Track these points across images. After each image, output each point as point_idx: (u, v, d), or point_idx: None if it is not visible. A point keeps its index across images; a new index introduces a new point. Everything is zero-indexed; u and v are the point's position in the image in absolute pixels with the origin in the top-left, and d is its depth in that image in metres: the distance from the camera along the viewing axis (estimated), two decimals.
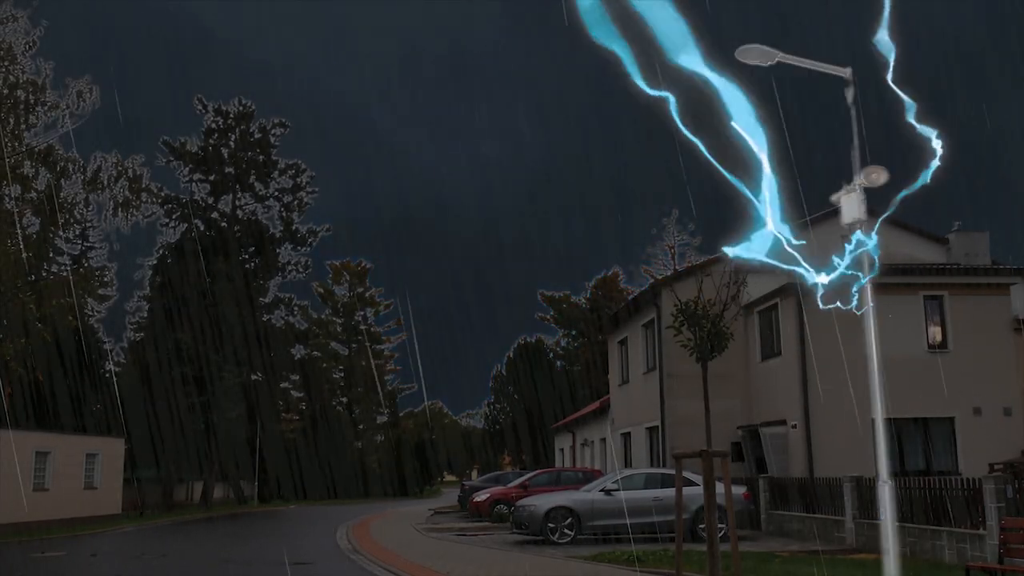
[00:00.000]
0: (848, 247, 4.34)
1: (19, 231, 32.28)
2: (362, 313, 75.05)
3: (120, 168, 32.62)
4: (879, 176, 12.12)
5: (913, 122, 4.44)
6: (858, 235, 4.31)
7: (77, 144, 37.87)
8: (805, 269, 4.52)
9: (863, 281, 4.53)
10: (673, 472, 9.51)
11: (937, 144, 4.33)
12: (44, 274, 36.56)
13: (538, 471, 30.81)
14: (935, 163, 4.34)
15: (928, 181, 4.60)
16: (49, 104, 30.46)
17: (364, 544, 18.83)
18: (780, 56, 12.41)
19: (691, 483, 15.98)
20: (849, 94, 12.06)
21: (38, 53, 30.51)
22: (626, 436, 28.93)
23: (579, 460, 37.85)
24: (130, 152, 47.52)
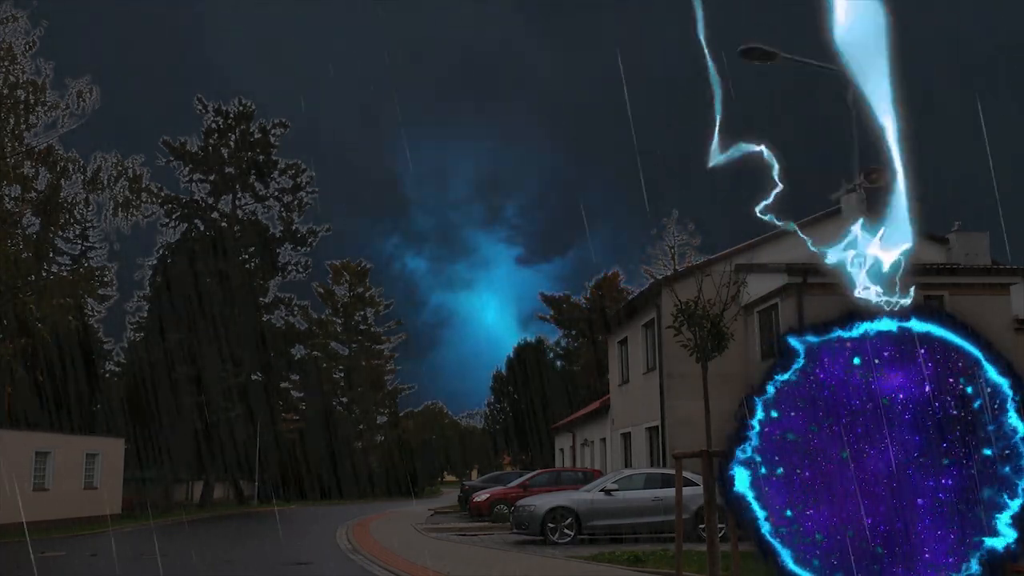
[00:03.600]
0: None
1: (19, 231, 32.27)
2: (362, 313, 75.06)
3: (120, 168, 32.58)
4: (879, 176, 12.12)
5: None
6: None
7: (77, 144, 37.87)
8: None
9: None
10: (673, 472, 9.51)
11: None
12: (44, 274, 36.54)
13: (538, 471, 30.78)
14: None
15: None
16: (49, 104, 30.44)
17: (364, 544, 18.83)
18: (782, 55, 12.41)
19: (691, 483, 15.96)
20: (849, 94, 12.07)
21: (38, 53, 30.50)
22: (626, 436, 28.91)
23: (579, 460, 37.82)
24: (130, 152, 47.50)
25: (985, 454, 3.80)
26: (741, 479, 3.90)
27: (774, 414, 4.00)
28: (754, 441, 3.97)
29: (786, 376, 4.03)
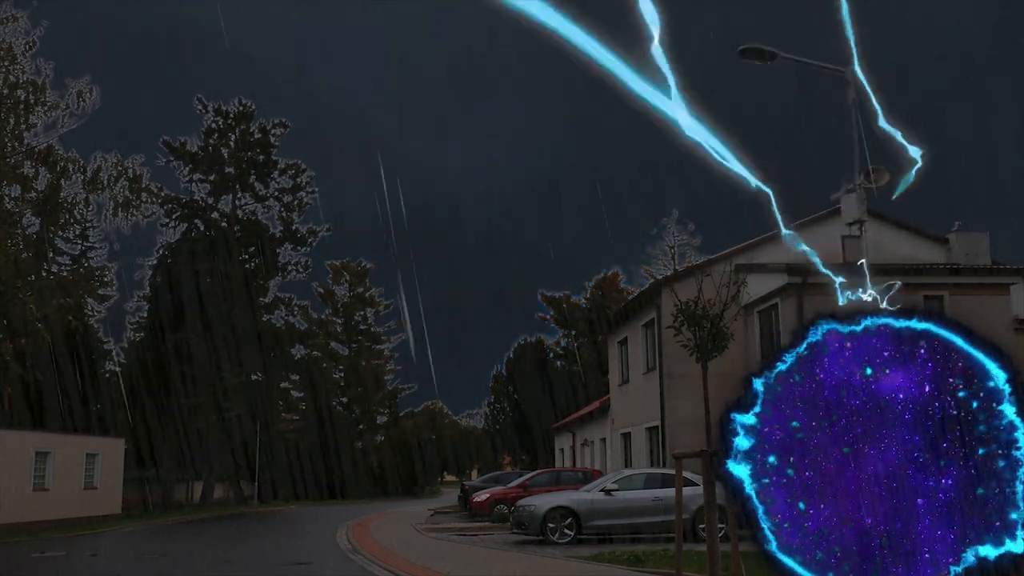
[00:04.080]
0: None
1: (19, 231, 32.28)
2: (362, 313, 75.06)
3: (120, 168, 32.63)
4: (880, 176, 12.12)
5: (886, 126, 4.38)
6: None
7: (77, 144, 37.91)
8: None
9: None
10: (673, 472, 9.51)
11: (915, 151, 4.29)
12: (44, 274, 36.56)
13: (538, 471, 30.77)
14: (913, 170, 4.31)
15: (909, 183, 4.54)
16: (49, 104, 30.46)
17: (364, 544, 18.82)
18: (781, 55, 12.40)
19: (691, 483, 15.95)
20: (849, 94, 12.08)
21: (38, 53, 30.53)
22: (626, 436, 28.91)
23: (579, 460, 37.82)
24: (130, 152, 47.51)
25: (982, 453, 3.80)
26: (740, 471, 3.90)
27: (783, 417, 4.00)
28: (757, 409, 3.97)
29: (788, 364, 4.02)
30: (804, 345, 4.00)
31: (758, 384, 4.05)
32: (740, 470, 3.90)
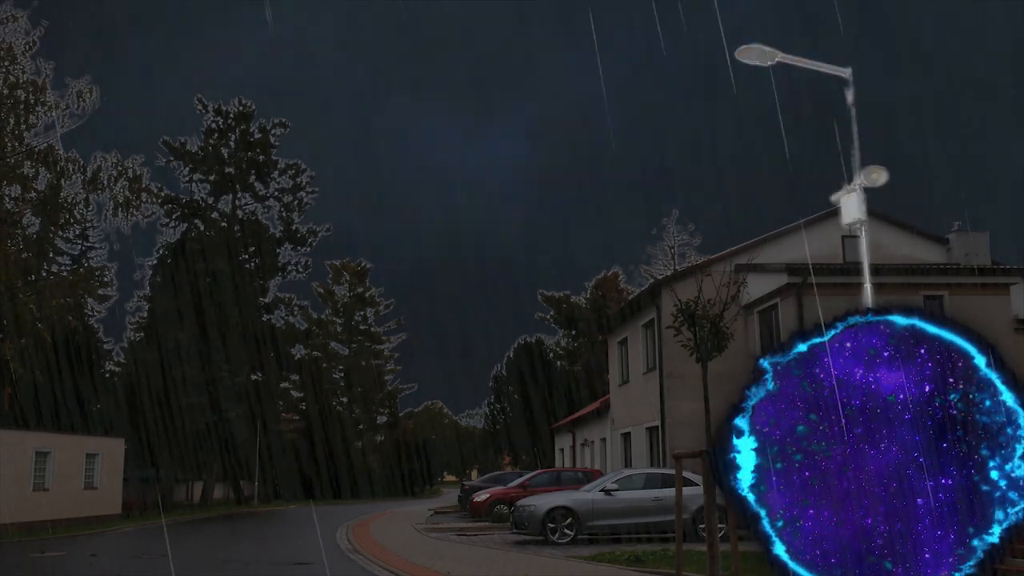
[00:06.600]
0: None
1: (19, 231, 32.26)
2: (362, 313, 75.06)
3: (120, 168, 32.58)
4: (879, 176, 12.13)
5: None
6: None
7: (77, 144, 37.88)
8: None
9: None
10: (673, 472, 9.51)
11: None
12: (44, 274, 36.53)
13: (538, 471, 30.77)
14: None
15: None
16: (49, 104, 30.43)
17: (364, 544, 18.83)
18: (780, 56, 12.41)
19: (691, 483, 15.95)
20: (849, 94, 12.08)
21: (38, 53, 30.50)
22: (626, 436, 28.91)
23: (579, 460, 37.82)
24: (130, 152, 47.51)
25: (984, 453, 3.80)
26: (743, 467, 3.90)
27: (783, 417, 4.00)
28: (752, 406, 3.97)
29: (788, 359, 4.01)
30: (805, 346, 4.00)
31: (768, 367, 4.04)
32: (742, 470, 3.90)
